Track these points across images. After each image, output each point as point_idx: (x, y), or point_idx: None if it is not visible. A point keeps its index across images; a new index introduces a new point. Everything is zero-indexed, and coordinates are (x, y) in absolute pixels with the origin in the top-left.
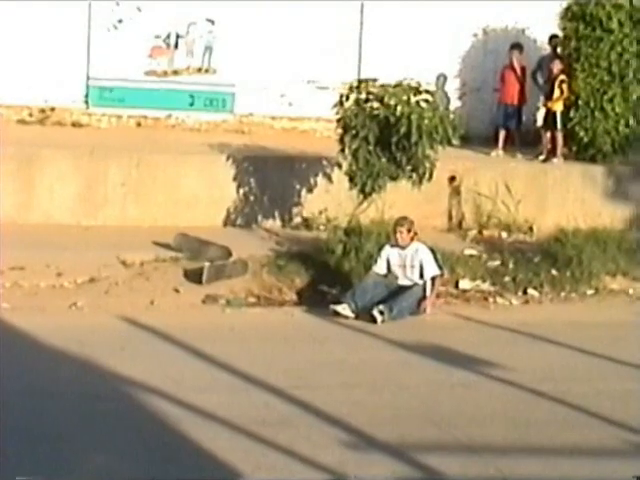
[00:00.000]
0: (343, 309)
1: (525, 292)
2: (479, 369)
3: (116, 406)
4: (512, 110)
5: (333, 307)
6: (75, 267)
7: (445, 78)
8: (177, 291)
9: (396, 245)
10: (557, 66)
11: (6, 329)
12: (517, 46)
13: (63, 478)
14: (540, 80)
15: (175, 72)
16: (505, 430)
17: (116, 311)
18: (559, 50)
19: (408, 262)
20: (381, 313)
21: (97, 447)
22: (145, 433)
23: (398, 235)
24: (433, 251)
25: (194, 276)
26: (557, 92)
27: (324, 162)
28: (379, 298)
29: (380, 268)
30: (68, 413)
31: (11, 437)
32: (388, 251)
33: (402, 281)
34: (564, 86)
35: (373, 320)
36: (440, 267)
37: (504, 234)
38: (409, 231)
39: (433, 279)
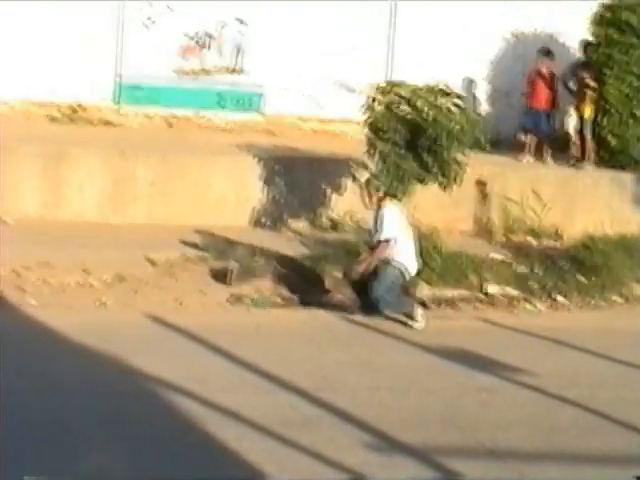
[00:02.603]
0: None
1: (552, 298)
2: (504, 374)
3: (141, 404)
4: (542, 115)
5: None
6: (103, 265)
7: (475, 82)
8: (203, 291)
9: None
10: (589, 72)
11: (33, 326)
12: (547, 53)
13: (80, 476)
14: (571, 86)
15: (205, 71)
16: (529, 435)
17: (143, 309)
18: (590, 56)
19: (373, 221)
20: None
21: (121, 445)
22: (169, 432)
23: (367, 199)
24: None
25: (221, 276)
26: (588, 98)
27: (352, 164)
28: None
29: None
30: (93, 410)
31: (35, 433)
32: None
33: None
34: (594, 92)
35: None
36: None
37: (532, 240)
38: (376, 192)
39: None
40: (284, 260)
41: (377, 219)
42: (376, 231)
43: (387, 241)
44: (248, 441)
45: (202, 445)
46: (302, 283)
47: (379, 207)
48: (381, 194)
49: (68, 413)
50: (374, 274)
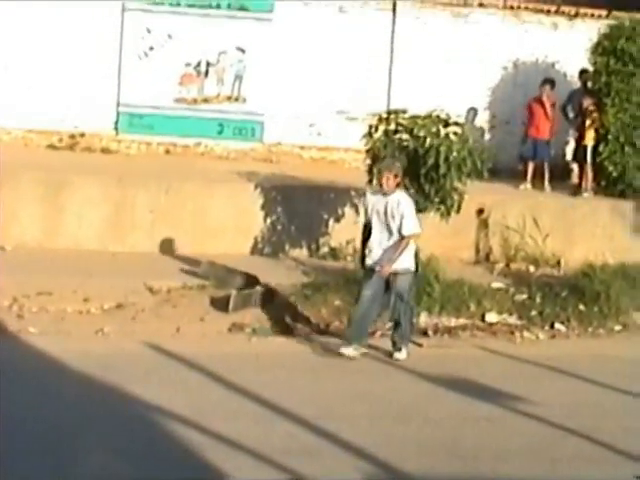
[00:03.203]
0: (347, 351)
1: (552, 326)
2: (505, 403)
3: (140, 432)
4: (541, 143)
5: (340, 350)
6: (102, 293)
7: (475, 111)
8: (203, 319)
9: (379, 191)
10: (588, 100)
11: (32, 353)
12: (549, 81)
13: None
14: (570, 114)
15: (205, 100)
16: (530, 465)
17: (142, 338)
18: (589, 84)
19: (389, 210)
20: (398, 349)
21: (119, 473)
22: (169, 461)
23: (384, 180)
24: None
25: (221, 304)
26: (588, 126)
27: (352, 192)
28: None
29: (368, 218)
30: (91, 439)
31: (38, 462)
32: (370, 198)
33: (378, 230)
34: (595, 120)
35: (391, 355)
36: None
37: (532, 268)
38: (396, 177)
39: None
40: (284, 288)
41: (390, 205)
42: (392, 216)
43: (414, 236)
44: (248, 470)
45: (202, 473)
46: (300, 312)
47: (392, 190)
48: (399, 179)
49: (65, 441)
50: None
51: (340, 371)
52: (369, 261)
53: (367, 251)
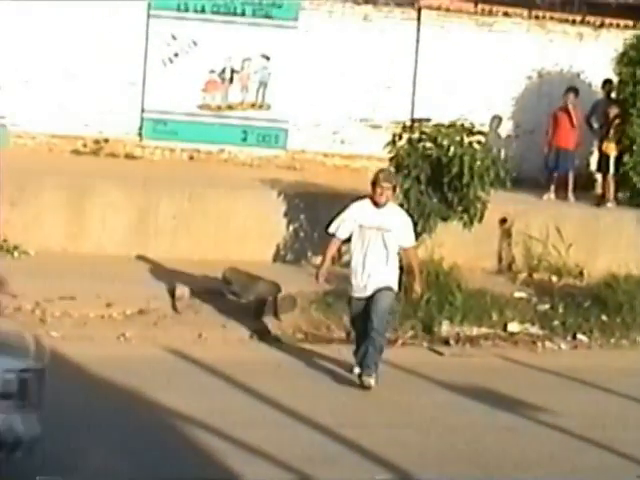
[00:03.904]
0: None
1: (574, 337)
2: (526, 413)
3: (161, 438)
4: (565, 154)
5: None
6: (124, 298)
7: (499, 119)
8: (224, 326)
9: (369, 205)
10: (613, 110)
11: (54, 358)
12: (573, 90)
13: None
14: (594, 124)
15: (229, 107)
16: (551, 475)
17: (164, 343)
18: (614, 95)
19: (385, 224)
20: (369, 374)
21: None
22: (190, 466)
23: (379, 191)
24: (409, 214)
25: (243, 311)
26: (612, 136)
27: None
28: None
29: (342, 233)
30: (112, 444)
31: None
32: (358, 211)
33: (373, 248)
34: (619, 131)
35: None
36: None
37: (554, 278)
38: (394, 189)
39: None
40: (306, 296)
41: (386, 219)
42: (388, 230)
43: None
44: (268, 477)
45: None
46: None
47: (383, 205)
48: (395, 192)
49: (87, 445)
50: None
51: None
52: (355, 292)
53: (351, 276)
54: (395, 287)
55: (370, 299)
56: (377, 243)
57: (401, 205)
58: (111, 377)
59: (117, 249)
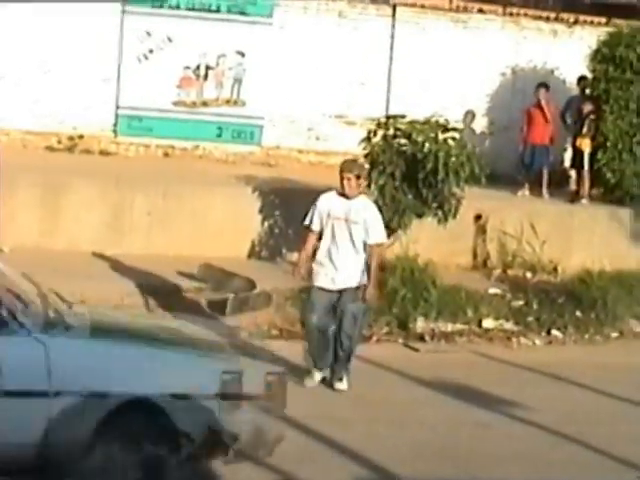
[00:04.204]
0: (311, 381)
1: (549, 333)
2: (500, 408)
3: None
4: (540, 150)
5: (305, 383)
6: (99, 295)
7: (473, 116)
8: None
9: (338, 196)
10: (587, 107)
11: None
12: (543, 85)
13: None
14: (568, 120)
15: (204, 103)
16: (524, 470)
17: None
18: (588, 91)
19: (352, 216)
20: (339, 379)
21: None
22: None
23: (345, 182)
24: (380, 211)
25: (217, 307)
26: (586, 133)
27: None
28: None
29: (316, 224)
30: None
31: None
32: (326, 202)
33: (330, 241)
34: (593, 127)
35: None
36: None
37: (529, 274)
38: (358, 178)
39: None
40: (281, 292)
41: (353, 210)
42: (355, 222)
43: (382, 246)
44: (244, 474)
45: None
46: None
47: (355, 194)
48: (362, 181)
49: None
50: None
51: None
52: (320, 281)
53: (316, 266)
54: (363, 283)
55: (338, 299)
56: (344, 235)
57: (376, 201)
58: None
59: (91, 246)
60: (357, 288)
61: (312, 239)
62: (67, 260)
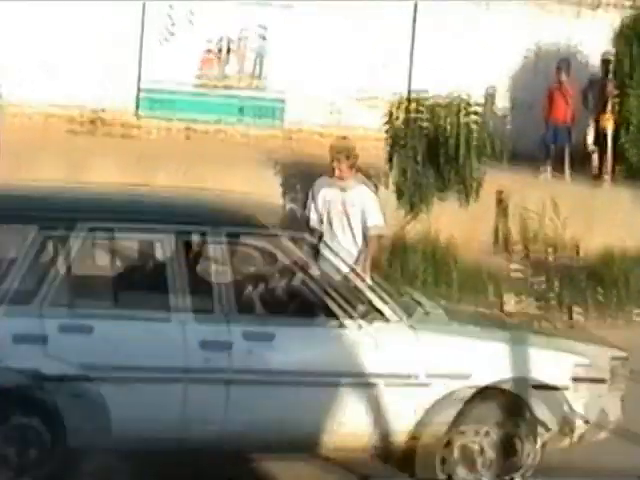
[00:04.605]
0: None
1: (570, 317)
2: None
3: None
4: (562, 129)
5: None
6: None
7: (495, 96)
8: None
9: (332, 181)
10: (610, 86)
11: None
12: (564, 64)
13: None
14: (591, 100)
15: (226, 81)
16: None
17: None
18: (611, 72)
19: (349, 203)
20: None
21: None
22: None
23: (336, 165)
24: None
25: None
26: (609, 112)
27: (371, 176)
28: None
29: (314, 221)
30: None
31: None
32: (321, 191)
33: (340, 229)
34: (615, 107)
35: None
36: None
37: (550, 253)
38: (348, 158)
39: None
40: None
41: (348, 195)
42: (352, 205)
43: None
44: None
45: None
46: None
47: (346, 179)
48: (354, 161)
49: None
50: None
51: None
52: None
53: None
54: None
55: None
56: (343, 223)
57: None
58: None
59: None
60: None
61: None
62: None
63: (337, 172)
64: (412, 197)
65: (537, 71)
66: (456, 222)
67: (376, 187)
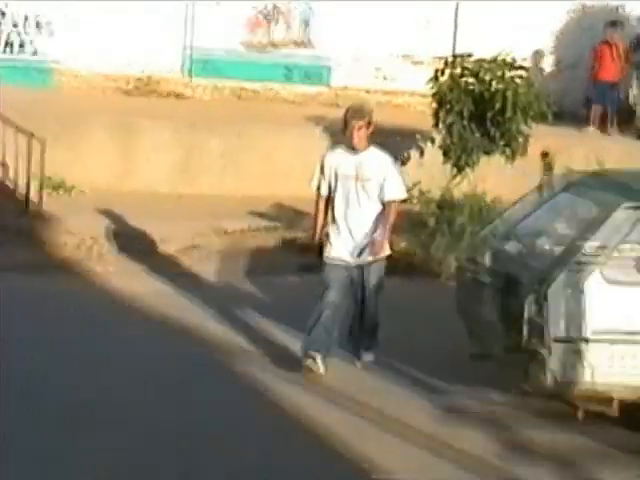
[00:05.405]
0: (313, 365)
1: None
2: None
3: (213, 371)
4: (608, 87)
5: (305, 364)
6: (176, 234)
7: (541, 54)
8: (272, 260)
9: (345, 150)
10: None
11: (111, 292)
12: (614, 23)
13: None
14: (636, 58)
15: (273, 44)
16: None
17: (216, 275)
18: None
19: (365, 172)
20: (367, 349)
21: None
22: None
23: (355, 132)
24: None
25: (290, 246)
26: None
27: (418, 136)
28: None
29: (324, 189)
30: (166, 376)
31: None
32: (333, 160)
33: (355, 201)
34: None
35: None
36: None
37: None
38: (369, 125)
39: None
40: None
41: (364, 164)
42: (367, 179)
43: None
44: None
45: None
46: None
47: (365, 146)
48: (371, 129)
49: (140, 378)
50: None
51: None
52: (338, 253)
53: (331, 234)
54: (386, 251)
55: (360, 271)
56: (359, 195)
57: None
58: (165, 311)
59: (165, 186)
60: (381, 260)
61: (322, 204)
62: (143, 201)
63: (356, 140)
64: (458, 156)
65: (583, 29)
66: (502, 180)
67: (421, 146)
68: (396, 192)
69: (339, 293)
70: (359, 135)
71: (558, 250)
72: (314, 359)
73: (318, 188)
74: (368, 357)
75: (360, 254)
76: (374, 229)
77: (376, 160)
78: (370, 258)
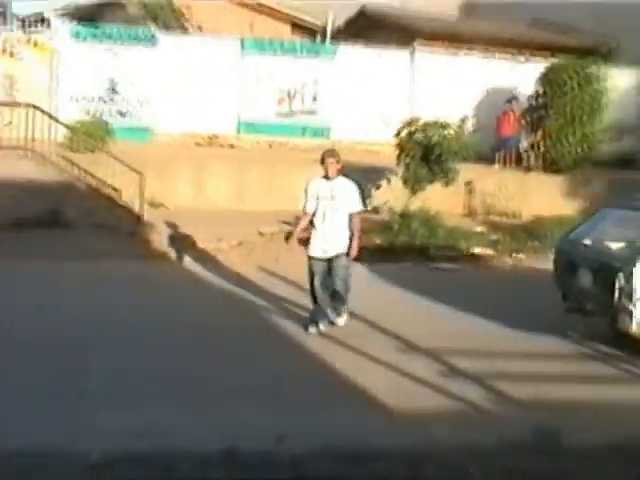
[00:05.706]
0: (315, 328)
1: (514, 256)
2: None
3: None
4: (508, 139)
5: (309, 330)
6: (230, 236)
7: (466, 118)
8: (293, 252)
9: (322, 179)
10: (538, 112)
11: (189, 275)
12: (512, 98)
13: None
14: (526, 121)
15: (293, 113)
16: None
17: (255, 264)
18: (534, 102)
19: (336, 193)
20: (338, 314)
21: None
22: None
23: (329, 166)
24: (360, 187)
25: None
26: (537, 128)
27: (386, 171)
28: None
29: (310, 207)
30: (221, 335)
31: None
32: (315, 186)
33: (322, 217)
34: (541, 126)
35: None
36: (364, 203)
37: (501, 219)
38: (338, 162)
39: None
40: None
41: (335, 188)
42: (338, 197)
43: (365, 211)
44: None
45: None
46: None
47: (335, 176)
48: (340, 165)
49: (207, 341)
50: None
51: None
52: (318, 252)
53: (313, 239)
54: (346, 249)
55: (331, 263)
56: (331, 210)
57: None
58: (225, 287)
59: (225, 205)
60: (345, 254)
61: (306, 218)
62: (210, 214)
63: (330, 172)
64: (413, 184)
65: (490, 104)
66: (440, 199)
67: (389, 177)
68: (357, 206)
69: (320, 277)
70: (332, 169)
71: (635, 245)
72: (316, 323)
73: (304, 209)
74: (340, 321)
75: (330, 251)
76: (342, 233)
77: (343, 185)
78: (334, 253)
